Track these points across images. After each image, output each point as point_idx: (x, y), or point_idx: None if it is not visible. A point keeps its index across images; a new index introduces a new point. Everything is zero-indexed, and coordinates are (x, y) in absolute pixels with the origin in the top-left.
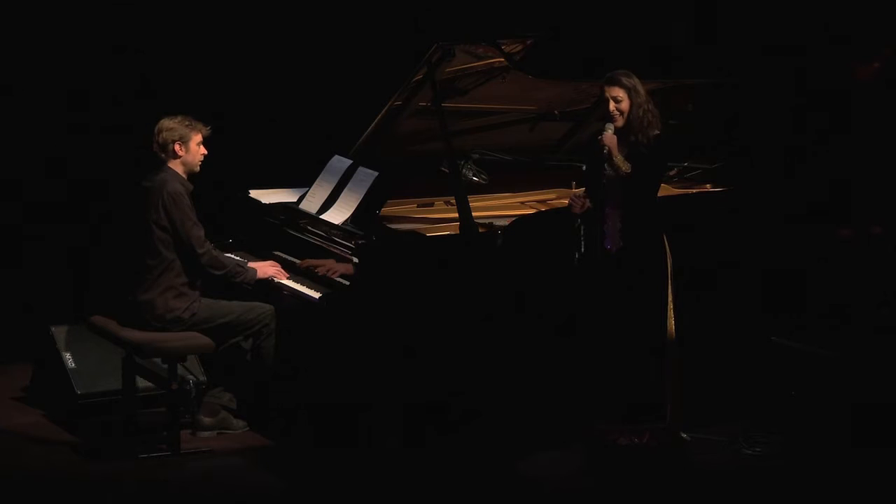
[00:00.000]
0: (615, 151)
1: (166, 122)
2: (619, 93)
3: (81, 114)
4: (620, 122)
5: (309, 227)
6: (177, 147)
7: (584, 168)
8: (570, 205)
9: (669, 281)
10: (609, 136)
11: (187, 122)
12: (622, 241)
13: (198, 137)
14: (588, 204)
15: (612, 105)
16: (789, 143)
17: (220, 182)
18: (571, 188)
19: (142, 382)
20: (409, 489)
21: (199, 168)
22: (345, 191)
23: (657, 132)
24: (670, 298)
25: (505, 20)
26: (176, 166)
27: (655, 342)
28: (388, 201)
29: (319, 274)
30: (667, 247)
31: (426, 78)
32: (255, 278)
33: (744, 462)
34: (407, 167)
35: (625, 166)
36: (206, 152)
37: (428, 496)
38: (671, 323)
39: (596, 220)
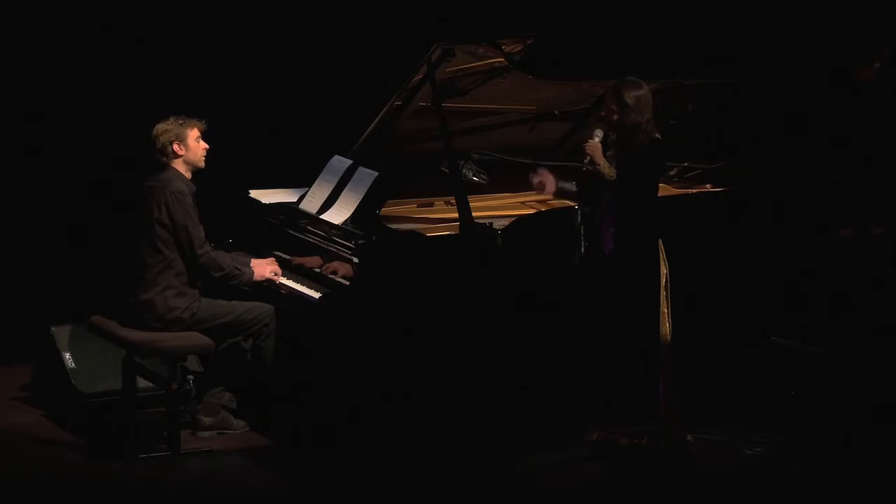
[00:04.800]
0: (597, 159)
1: (160, 126)
2: (613, 105)
3: (81, 114)
4: (610, 130)
5: (309, 227)
6: (176, 147)
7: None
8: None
9: (663, 287)
10: (592, 144)
11: (181, 121)
12: (615, 245)
13: (194, 133)
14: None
15: (604, 112)
16: (788, 143)
17: (220, 182)
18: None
19: (142, 382)
20: (409, 489)
21: (203, 163)
22: (345, 191)
23: (657, 136)
24: (664, 305)
25: (505, 20)
26: (179, 166)
27: (645, 346)
28: (388, 201)
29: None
30: (662, 253)
31: (426, 78)
32: (252, 280)
33: (744, 462)
34: (407, 167)
35: (609, 172)
36: (207, 146)
37: (428, 496)
38: (665, 329)
39: (595, 222)
